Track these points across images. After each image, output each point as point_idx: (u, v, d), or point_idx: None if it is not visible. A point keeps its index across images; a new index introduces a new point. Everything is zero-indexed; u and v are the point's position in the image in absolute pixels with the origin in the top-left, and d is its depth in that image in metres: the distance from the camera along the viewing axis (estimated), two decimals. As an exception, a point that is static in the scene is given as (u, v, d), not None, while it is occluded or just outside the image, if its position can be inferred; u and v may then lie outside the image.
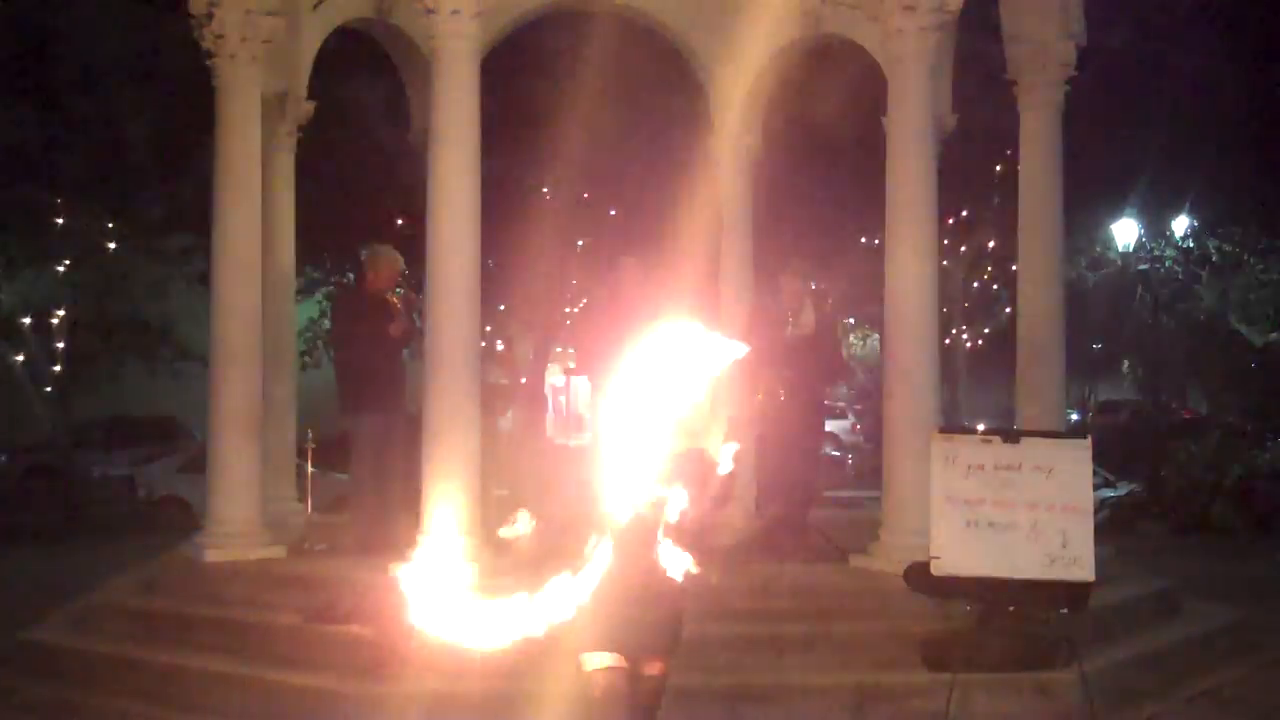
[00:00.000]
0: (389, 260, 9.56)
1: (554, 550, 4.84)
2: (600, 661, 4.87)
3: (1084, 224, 22.77)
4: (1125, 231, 23.49)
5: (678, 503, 4.62)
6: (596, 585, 4.60)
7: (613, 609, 4.76)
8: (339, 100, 15.18)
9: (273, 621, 8.10)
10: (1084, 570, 7.09)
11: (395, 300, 9.35)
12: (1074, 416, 28.31)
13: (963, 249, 22.92)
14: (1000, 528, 7.16)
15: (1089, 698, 7.10)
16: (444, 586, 4.66)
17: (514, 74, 16.82)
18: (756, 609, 7.73)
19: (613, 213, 20.90)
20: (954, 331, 24.18)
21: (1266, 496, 16.30)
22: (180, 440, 22.45)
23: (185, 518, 15.77)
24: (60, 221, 19.81)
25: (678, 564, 4.62)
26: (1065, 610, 7.31)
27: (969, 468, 7.25)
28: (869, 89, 9.96)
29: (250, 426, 9.22)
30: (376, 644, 7.46)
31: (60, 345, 21.04)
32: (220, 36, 9.16)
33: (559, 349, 27.98)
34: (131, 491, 18.02)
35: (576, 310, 21.59)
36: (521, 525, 5.06)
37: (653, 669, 4.98)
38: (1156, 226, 25.49)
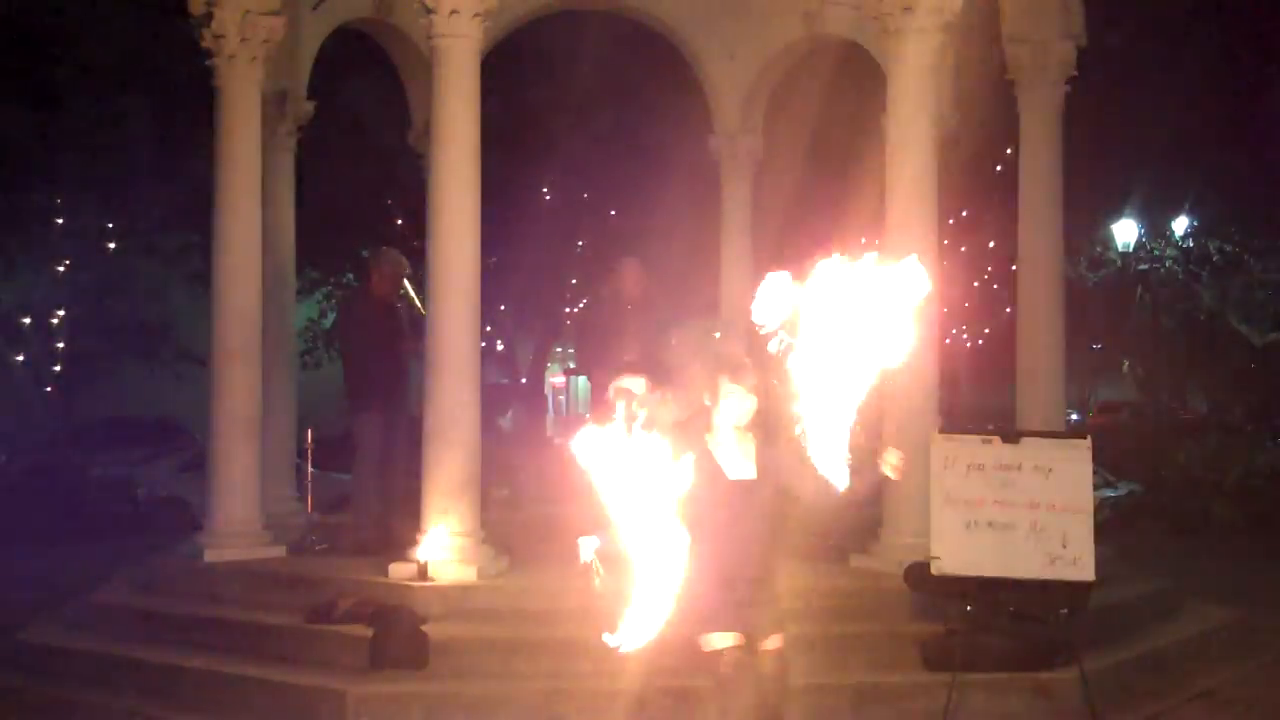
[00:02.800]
0: (393, 263, 9.57)
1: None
2: (724, 641, 5.01)
3: (1084, 224, 22.74)
4: (1125, 231, 23.50)
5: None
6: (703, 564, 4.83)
7: (726, 590, 4.99)
8: (339, 100, 15.18)
9: (273, 621, 8.10)
10: (1084, 570, 7.09)
11: (402, 305, 9.37)
12: (1074, 416, 28.30)
13: (963, 249, 22.91)
14: (1000, 528, 7.17)
15: (1089, 698, 7.11)
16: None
17: (514, 74, 16.82)
18: (756, 609, 7.71)
19: (613, 213, 20.90)
20: (954, 331, 24.18)
21: (1266, 496, 16.28)
22: (180, 440, 22.40)
23: (185, 518, 15.75)
24: (60, 221, 19.80)
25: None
26: (1065, 610, 7.31)
27: (969, 468, 7.26)
28: (869, 89, 9.96)
29: (250, 426, 9.23)
30: (377, 642, 7.47)
31: (60, 345, 21.04)
32: (220, 37, 9.16)
33: (559, 349, 28.03)
34: (131, 491, 17.98)
35: (576, 310, 21.60)
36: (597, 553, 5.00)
37: (773, 645, 5.15)
38: (1156, 226, 25.49)
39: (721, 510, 5.01)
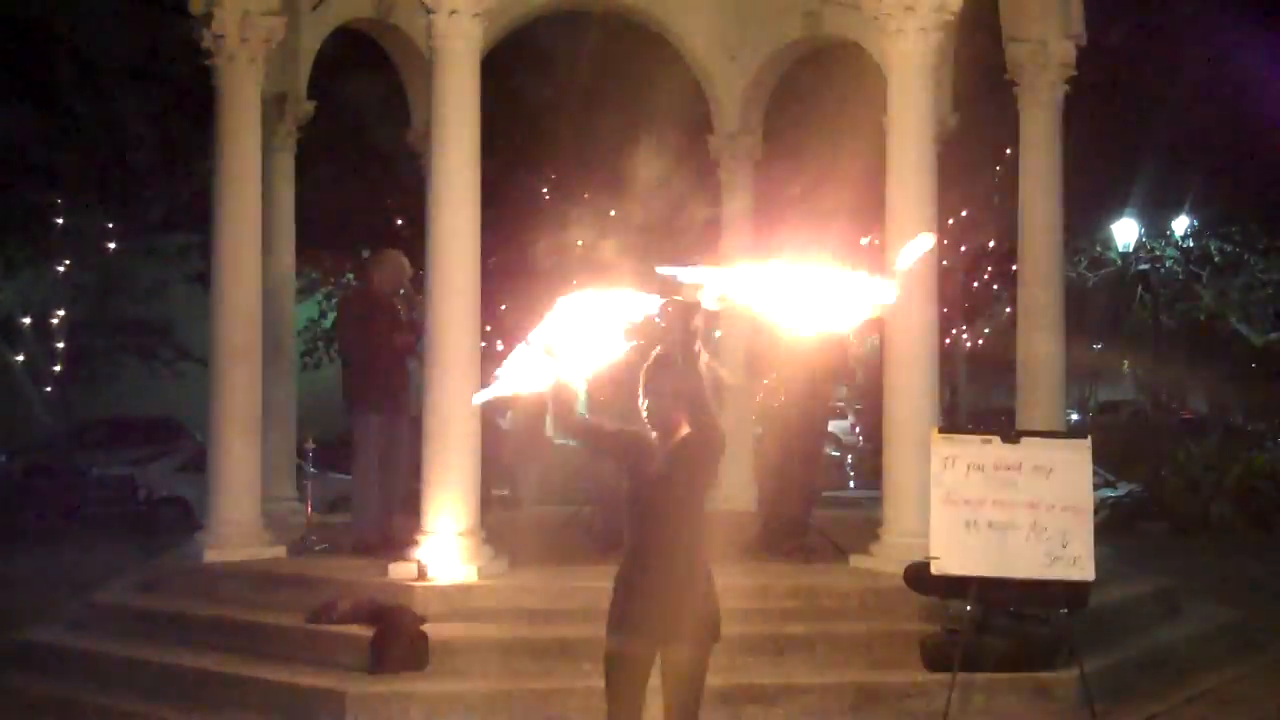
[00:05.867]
0: (394, 263, 9.57)
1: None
2: (619, 645, 4.74)
3: (1084, 224, 22.75)
4: (1125, 231, 23.49)
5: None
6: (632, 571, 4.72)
7: (647, 595, 4.70)
8: (339, 100, 15.19)
9: (273, 621, 8.10)
10: (1084, 570, 7.09)
11: (401, 305, 9.36)
12: (1074, 416, 28.29)
13: (963, 249, 22.91)
14: (1000, 528, 7.17)
15: (1089, 698, 7.11)
16: None
17: (514, 74, 16.82)
18: (756, 609, 7.73)
19: (613, 213, 20.89)
20: (954, 331, 24.17)
21: (1266, 496, 16.29)
22: (180, 440, 22.42)
23: (185, 518, 15.77)
24: (60, 221, 19.80)
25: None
26: (1065, 610, 7.32)
27: (969, 468, 7.25)
28: (869, 89, 9.95)
29: (250, 426, 9.22)
30: (377, 642, 7.47)
31: (60, 345, 21.03)
32: (220, 37, 9.16)
33: (559, 349, 28.00)
34: (131, 491, 18.00)
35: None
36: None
37: (680, 654, 4.77)
38: (1156, 226, 25.48)
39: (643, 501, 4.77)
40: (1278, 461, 17.33)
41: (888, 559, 8.31)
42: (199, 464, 11.52)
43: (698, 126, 12.61)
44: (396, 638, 7.49)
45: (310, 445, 10.15)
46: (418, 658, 7.45)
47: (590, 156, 18.54)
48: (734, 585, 7.42)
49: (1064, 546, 7.08)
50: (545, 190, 20.33)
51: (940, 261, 9.27)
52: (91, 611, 9.17)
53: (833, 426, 26.97)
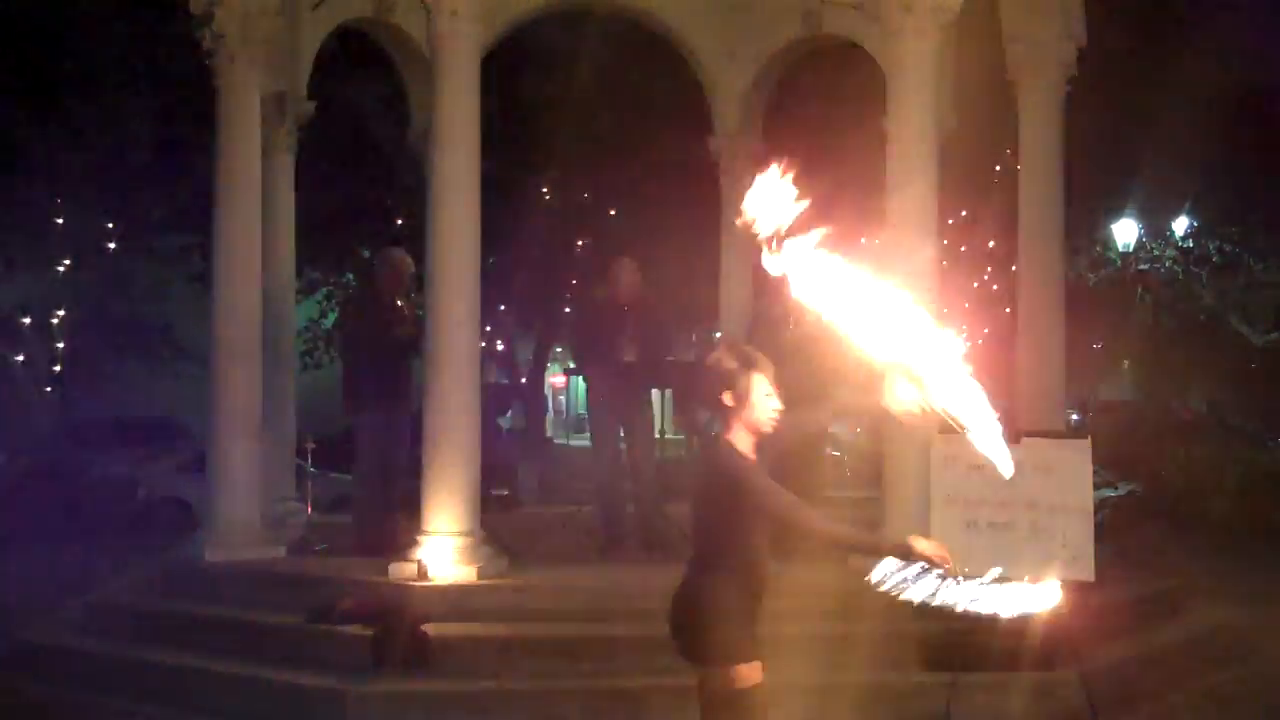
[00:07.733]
0: (398, 263, 9.58)
1: None
2: (756, 675, 4.52)
3: (1084, 224, 22.74)
4: (1125, 231, 23.47)
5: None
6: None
7: (751, 614, 4.59)
8: (339, 100, 15.18)
9: (273, 621, 8.10)
10: (1084, 570, 7.09)
11: (405, 304, 9.38)
12: (1074, 416, 28.27)
13: (963, 249, 22.90)
14: (1000, 528, 7.16)
15: (1089, 698, 7.10)
16: None
17: (514, 74, 16.82)
18: (756, 609, 7.72)
19: (613, 213, 20.91)
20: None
21: (1266, 496, 16.29)
22: (180, 440, 22.41)
23: (185, 518, 15.76)
24: (60, 221, 19.80)
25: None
26: (1065, 610, 7.30)
27: (969, 468, 7.24)
28: (869, 89, 9.96)
29: (250, 426, 9.24)
30: (377, 642, 7.47)
31: (60, 345, 21.03)
32: (220, 37, 9.17)
33: (559, 349, 28.04)
34: (131, 491, 17.99)
35: (568, 312, 21.58)
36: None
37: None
38: (1156, 226, 25.46)
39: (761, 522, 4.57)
40: (1278, 461, 17.32)
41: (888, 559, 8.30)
42: (199, 464, 11.52)
43: (698, 126, 12.60)
44: (396, 638, 7.49)
45: (310, 445, 10.15)
46: (418, 658, 7.45)
47: (590, 156, 18.55)
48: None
49: (1064, 547, 7.07)
50: (545, 190, 20.34)
51: (940, 261, 9.25)
52: (91, 611, 9.18)
53: (832, 426, 27.00)
